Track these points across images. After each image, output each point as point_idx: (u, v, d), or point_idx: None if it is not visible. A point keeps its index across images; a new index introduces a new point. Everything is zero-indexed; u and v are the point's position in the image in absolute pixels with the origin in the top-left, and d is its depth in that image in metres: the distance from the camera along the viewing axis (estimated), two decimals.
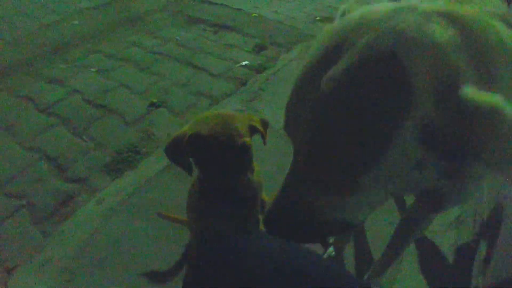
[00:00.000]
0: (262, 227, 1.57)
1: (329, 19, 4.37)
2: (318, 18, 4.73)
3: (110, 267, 1.96)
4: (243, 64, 3.75)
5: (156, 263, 1.98)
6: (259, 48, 4.06)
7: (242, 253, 1.36)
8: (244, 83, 3.43)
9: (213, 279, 1.41)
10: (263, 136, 1.50)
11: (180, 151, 1.35)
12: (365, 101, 0.73)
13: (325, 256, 2.00)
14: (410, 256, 1.94)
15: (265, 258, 1.33)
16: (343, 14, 1.02)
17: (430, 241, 2.07)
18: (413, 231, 1.59)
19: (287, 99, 0.96)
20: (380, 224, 2.13)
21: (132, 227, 2.11)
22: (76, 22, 4.57)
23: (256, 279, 1.28)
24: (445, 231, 2.08)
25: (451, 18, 0.78)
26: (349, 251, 2.06)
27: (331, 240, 2.02)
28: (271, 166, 2.00)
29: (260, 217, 1.66)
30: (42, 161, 2.64)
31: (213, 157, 1.28)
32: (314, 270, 1.32)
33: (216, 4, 5.16)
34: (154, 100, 3.16)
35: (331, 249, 2.02)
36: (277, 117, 2.78)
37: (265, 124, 1.49)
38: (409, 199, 2.20)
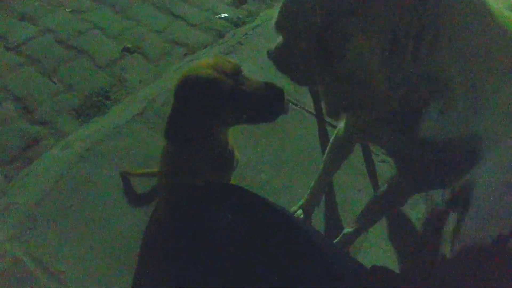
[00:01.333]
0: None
1: None
2: None
3: (73, 215, 1.81)
4: (222, 16, 3.48)
5: (121, 213, 1.83)
6: (240, 2, 3.76)
7: (212, 207, 1.28)
8: (222, 36, 3.18)
9: (182, 232, 1.32)
10: None
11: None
12: None
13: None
14: (376, 226, 1.84)
15: (236, 213, 1.24)
16: None
17: (400, 211, 1.99)
18: (390, 207, 1.58)
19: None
20: (350, 191, 2.05)
21: (99, 175, 1.94)
22: None
23: (225, 234, 1.20)
24: (414, 204, 2.00)
25: None
26: (318, 217, 1.97)
27: (300, 203, 1.95)
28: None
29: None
30: (9, 101, 2.40)
31: None
32: (284, 226, 1.24)
33: None
34: (128, 45, 2.91)
35: (300, 211, 1.93)
36: (253, 72, 2.61)
37: None
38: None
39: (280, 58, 1.21)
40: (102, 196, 1.88)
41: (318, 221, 1.96)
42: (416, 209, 2.00)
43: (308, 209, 1.95)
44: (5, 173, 2.03)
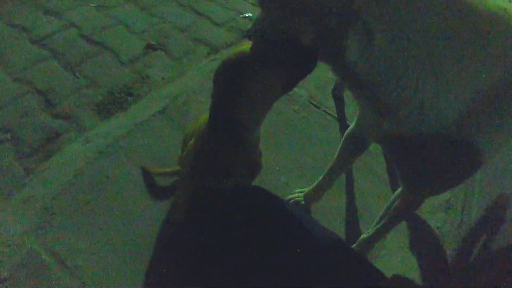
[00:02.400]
0: None
1: None
2: None
3: (91, 211, 1.80)
4: (247, 15, 3.47)
5: (139, 210, 1.81)
6: None
7: (239, 212, 1.27)
8: (245, 35, 3.15)
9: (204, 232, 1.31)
10: None
11: None
12: None
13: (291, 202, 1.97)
14: (395, 233, 1.81)
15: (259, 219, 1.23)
16: None
17: (422, 219, 1.96)
18: (401, 213, 1.55)
19: None
20: (370, 197, 2.02)
21: (118, 172, 1.93)
22: None
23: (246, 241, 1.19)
24: (434, 212, 1.96)
25: None
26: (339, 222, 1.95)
27: (305, 190, 1.98)
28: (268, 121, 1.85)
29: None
30: (31, 94, 2.40)
31: None
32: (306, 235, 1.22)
33: None
34: (152, 42, 2.90)
35: (301, 196, 1.97)
36: None
37: None
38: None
39: (261, 34, 1.19)
40: (120, 193, 1.86)
41: (338, 226, 1.94)
42: (435, 217, 1.96)
43: (309, 199, 1.96)
44: (25, 165, 2.02)
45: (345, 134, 1.70)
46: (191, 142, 1.51)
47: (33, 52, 2.73)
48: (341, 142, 1.73)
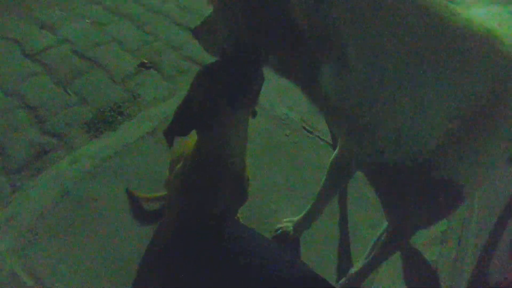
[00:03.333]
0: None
1: None
2: None
3: (75, 233, 1.79)
4: None
5: (124, 234, 1.80)
6: None
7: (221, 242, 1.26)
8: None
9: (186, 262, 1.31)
10: None
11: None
12: None
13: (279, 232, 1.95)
14: (388, 265, 1.80)
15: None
16: None
17: (416, 251, 1.95)
18: (389, 248, 1.53)
19: None
20: (363, 227, 2.02)
21: (104, 193, 1.92)
22: None
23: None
24: (429, 244, 1.95)
25: None
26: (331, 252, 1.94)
27: (295, 219, 1.96)
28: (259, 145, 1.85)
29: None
30: (21, 109, 2.40)
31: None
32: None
33: None
34: (145, 61, 2.90)
35: (290, 226, 1.95)
36: (268, 96, 2.61)
37: None
38: None
39: (208, 32, 1.20)
40: (106, 216, 1.85)
41: (329, 257, 1.92)
42: (431, 250, 1.96)
43: (299, 229, 1.94)
44: (12, 181, 2.00)
45: (330, 160, 1.68)
46: (179, 165, 1.51)
47: (25, 66, 2.73)
48: (327, 168, 1.72)
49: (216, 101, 1.14)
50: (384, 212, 1.35)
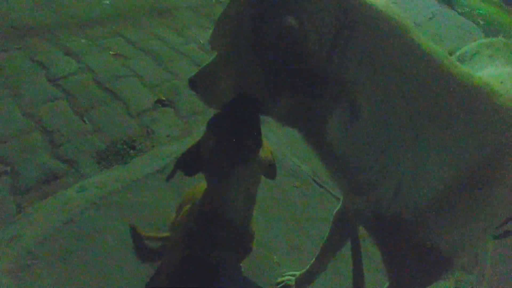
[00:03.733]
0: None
1: None
2: None
3: (74, 262, 1.80)
4: None
5: (122, 268, 1.82)
6: None
7: None
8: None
9: None
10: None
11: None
12: None
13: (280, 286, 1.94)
14: None
15: None
16: None
17: None
18: None
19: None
20: (366, 283, 2.03)
21: (108, 226, 1.95)
22: (107, 2, 4.39)
23: None
24: None
25: None
26: None
27: (298, 273, 1.94)
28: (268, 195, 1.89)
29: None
30: (37, 132, 2.46)
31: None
32: None
33: None
34: (163, 98, 3.00)
35: (293, 281, 1.94)
36: (280, 146, 2.67)
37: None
38: None
39: (207, 82, 1.20)
40: (106, 248, 1.87)
41: None
42: None
43: (301, 283, 1.93)
44: (18, 202, 2.03)
45: (334, 213, 1.69)
46: (185, 208, 1.55)
47: (47, 90, 2.81)
48: (331, 222, 1.73)
49: (216, 154, 1.20)
50: (384, 269, 1.35)
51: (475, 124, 0.95)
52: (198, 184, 1.61)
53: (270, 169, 1.37)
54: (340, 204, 1.64)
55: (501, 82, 1.08)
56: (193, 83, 1.27)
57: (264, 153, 1.28)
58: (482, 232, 1.11)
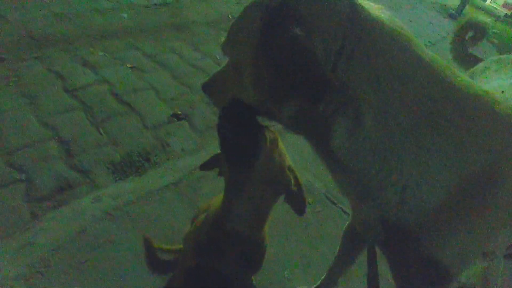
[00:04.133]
0: None
1: None
2: None
3: (86, 271, 1.83)
4: None
5: (134, 279, 1.84)
6: None
7: None
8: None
9: None
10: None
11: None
12: None
13: None
14: None
15: None
16: None
17: None
18: None
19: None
20: None
21: (121, 236, 1.97)
22: (125, 15, 4.50)
23: None
24: None
25: None
26: None
27: None
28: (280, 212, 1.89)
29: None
30: (54, 141, 2.51)
31: None
32: None
33: None
34: (178, 111, 3.05)
35: None
36: (294, 162, 2.67)
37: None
38: None
39: (218, 86, 1.23)
40: (119, 258, 1.89)
41: None
42: None
43: None
44: (32, 209, 2.08)
45: (344, 229, 1.71)
46: (199, 219, 1.57)
47: (64, 100, 2.88)
48: (341, 237, 1.74)
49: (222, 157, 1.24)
50: (393, 279, 1.34)
51: (475, 131, 0.97)
52: (213, 198, 1.63)
53: (294, 198, 1.37)
54: (349, 219, 1.65)
55: (502, 92, 1.10)
56: (205, 87, 1.29)
57: (277, 167, 1.31)
58: (482, 242, 1.11)
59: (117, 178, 2.36)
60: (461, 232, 1.03)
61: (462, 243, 1.06)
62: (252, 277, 1.88)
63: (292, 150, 2.77)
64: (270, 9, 0.96)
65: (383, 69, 0.92)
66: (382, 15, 0.97)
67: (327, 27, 0.92)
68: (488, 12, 18.67)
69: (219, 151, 1.29)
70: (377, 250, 1.28)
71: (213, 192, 1.51)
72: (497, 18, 16.28)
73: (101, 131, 2.68)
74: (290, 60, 0.92)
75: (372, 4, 0.98)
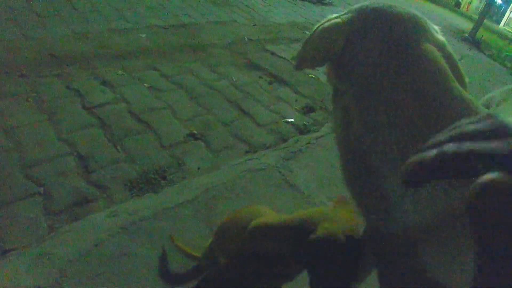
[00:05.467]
0: None
1: None
2: None
3: (101, 284, 1.91)
4: (289, 121, 3.78)
5: None
6: (308, 109, 4.09)
7: None
8: (285, 140, 3.44)
9: None
10: None
11: None
12: None
13: None
14: None
15: None
16: None
17: None
18: None
19: None
20: None
21: (136, 251, 2.07)
22: (144, 36, 4.71)
23: None
24: None
25: None
26: None
27: None
28: None
29: None
30: (72, 156, 2.65)
31: None
32: None
33: (278, 56, 5.30)
34: (194, 131, 3.18)
35: None
36: (308, 183, 2.79)
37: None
38: None
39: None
40: (134, 272, 1.98)
41: None
42: None
43: None
44: (49, 222, 2.19)
45: None
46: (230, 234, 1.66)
47: (82, 117, 3.03)
48: None
49: None
50: None
51: None
52: (241, 209, 1.73)
53: None
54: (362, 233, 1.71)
55: None
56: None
57: None
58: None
59: (133, 194, 2.47)
60: (457, 253, 1.01)
61: (458, 258, 1.03)
62: None
63: (306, 171, 2.91)
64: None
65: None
66: None
67: None
68: (502, 35, 18.79)
69: None
70: None
71: (228, 211, 1.62)
72: (510, 41, 16.38)
73: (119, 148, 2.81)
74: None
75: None
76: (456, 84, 1.03)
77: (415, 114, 1.00)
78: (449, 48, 1.13)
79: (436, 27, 1.17)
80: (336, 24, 1.17)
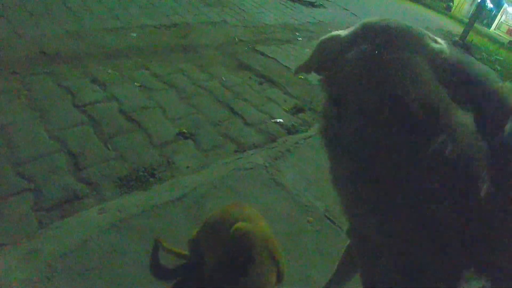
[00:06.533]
0: None
1: None
2: None
3: (91, 279, 1.94)
4: (278, 121, 3.84)
5: None
6: (297, 110, 4.16)
7: None
8: (273, 140, 3.50)
9: None
10: None
11: None
12: None
13: None
14: None
15: None
16: None
17: None
18: None
19: None
20: None
21: (126, 247, 2.10)
22: (135, 35, 4.73)
23: None
24: None
25: None
26: None
27: None
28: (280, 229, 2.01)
29: None
30: (62, 154, 2.68)
31: None
32: None
33: (268, 57, 5.37)
34: (184, 130, 3.22)
35: None
36: (296, 182, 2.84)
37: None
38: None
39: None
40: (123, 268, 2.01)
41: None
42: None
43: None
44: (39, 218, 2.21)
45: (345, 246, 1.79)
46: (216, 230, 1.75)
47: (73, 115, 3.06)
48: (342, 254, 1.81)
49: None
50: None
51: None
52: (233, 207, 1.82)
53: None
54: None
55: None
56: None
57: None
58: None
59: (123, 191, 2.51)
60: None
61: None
62: None
63: (294, 171, 2.96)
64: None
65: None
66: None
67: None
68: (492, 38, 18.97)
69: None
70: None
71: (216, 209, 1.67)
72: (500, 44, 16.55)
73: (109, 146, 2.85)
74: None
75: None
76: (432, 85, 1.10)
77: (391, 118, 1.06)
78: (446, 53, 1.20)
79: (439, 39, 1.26)
80: (332, 36, 1.27)
